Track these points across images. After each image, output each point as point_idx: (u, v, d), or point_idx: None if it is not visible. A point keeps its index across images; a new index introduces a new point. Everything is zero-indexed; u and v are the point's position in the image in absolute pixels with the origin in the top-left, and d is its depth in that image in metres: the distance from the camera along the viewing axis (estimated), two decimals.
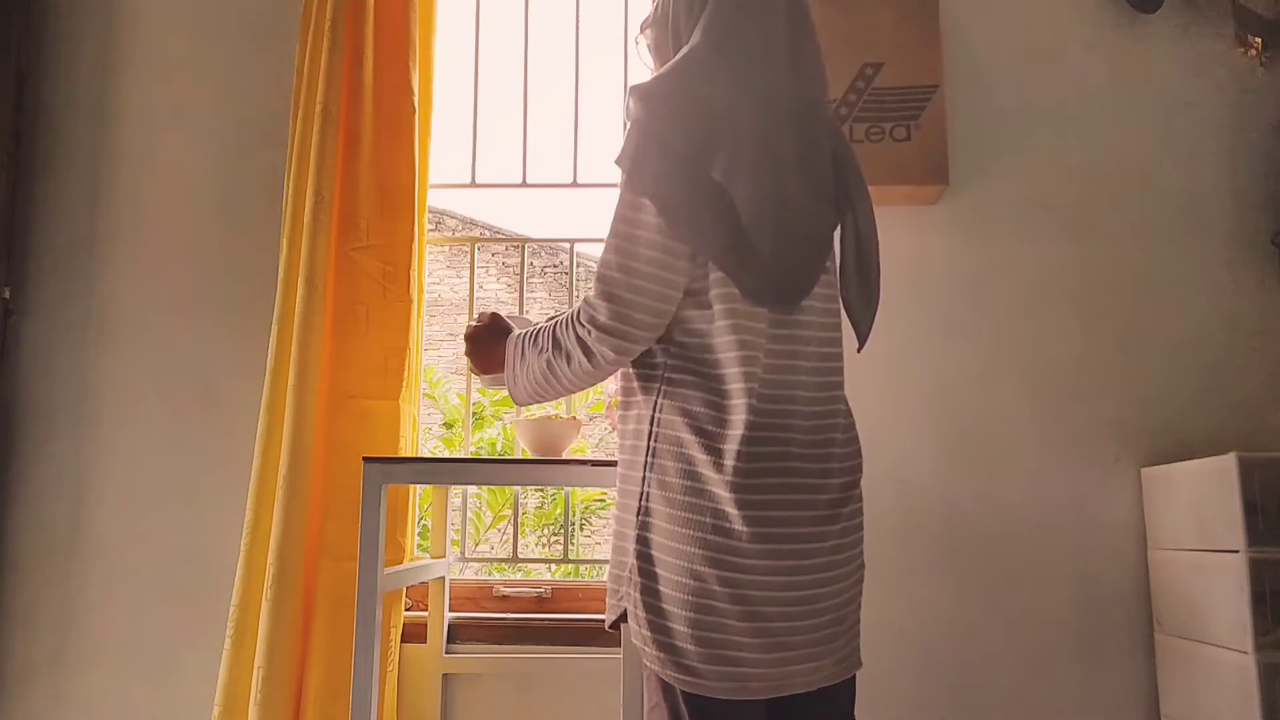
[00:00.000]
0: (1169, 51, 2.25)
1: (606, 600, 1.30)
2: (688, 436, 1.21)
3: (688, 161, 1.20)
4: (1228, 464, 1.74)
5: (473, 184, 2.42)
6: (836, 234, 1.35)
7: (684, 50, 1.27)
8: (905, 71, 2.16)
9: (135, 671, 2.14)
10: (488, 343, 1.46)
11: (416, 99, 2.20)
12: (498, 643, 2.14)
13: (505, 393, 1.42)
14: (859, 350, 1.39)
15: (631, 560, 1.23)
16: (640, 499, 1.24)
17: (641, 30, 1.42)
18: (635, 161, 1.21)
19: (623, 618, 1.25)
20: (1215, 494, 1.78)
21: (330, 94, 2.11)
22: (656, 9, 1.37)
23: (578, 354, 1.26)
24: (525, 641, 2.14)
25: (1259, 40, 2.18)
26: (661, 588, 1.20)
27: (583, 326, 1.24)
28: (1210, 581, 1.80)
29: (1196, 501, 1.87)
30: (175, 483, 2.20)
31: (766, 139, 1.24)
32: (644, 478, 1.24)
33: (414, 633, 2.12)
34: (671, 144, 1.20)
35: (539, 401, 1.41)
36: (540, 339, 1.33)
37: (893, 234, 2.18)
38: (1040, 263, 2.19)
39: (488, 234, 8.43)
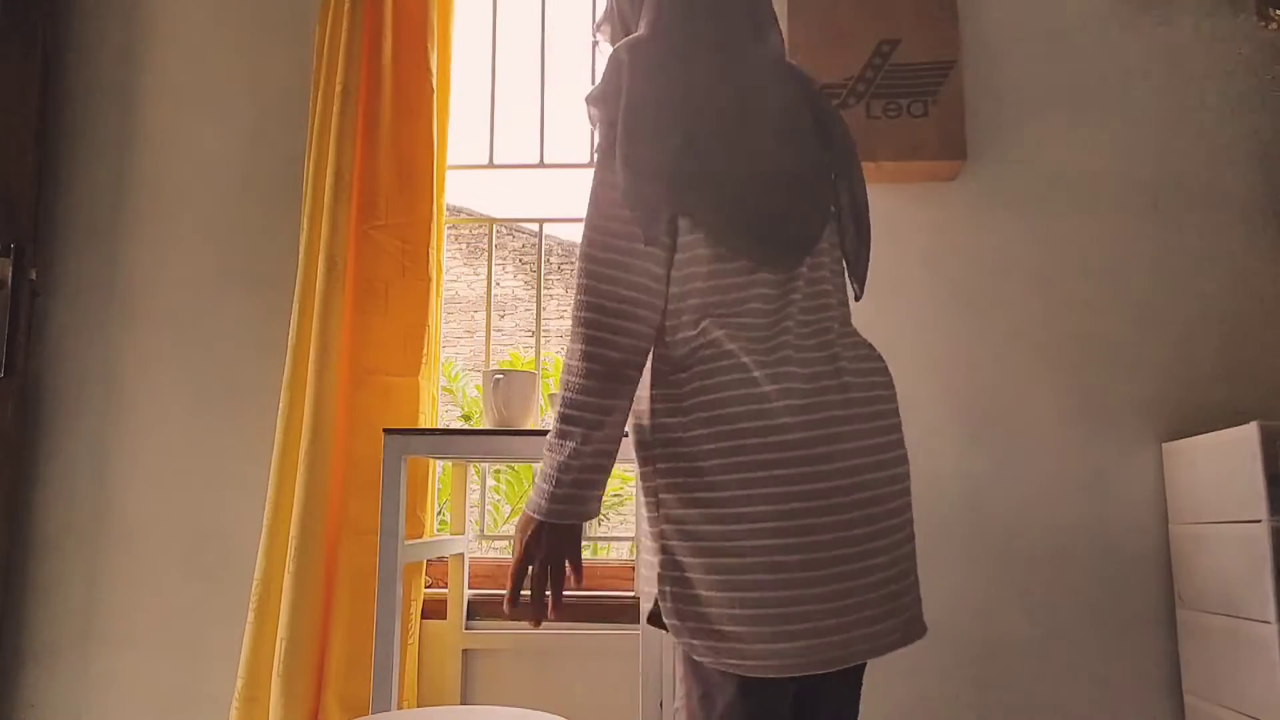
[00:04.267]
0: (1188, 25, 2.24)
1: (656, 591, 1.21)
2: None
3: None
4: (1249, 434, 1.73)
5: (490, 165, 2.44)
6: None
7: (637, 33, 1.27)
8: (922, 48, 2.15)
9: (161, 647, 2.17)
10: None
11: (435, 80, 2.22)
12: (517, 619, 2.16)
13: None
14: (858, 299, 1.39)
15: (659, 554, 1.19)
16: (653, 479, 1.22)
17: (597, 29, 1.44)
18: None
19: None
20: (1237, 465, 1.77)
21: (350, 75, 2.14)
22: (607, 6, 1.41)
23: None
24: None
25: None
26: (690, 574, 1.15)
27: None
28: (1233, 553, 1.79)
29: (1218, 473, 1.86)
30: (198, 460, 2.22)
31: (740, 100, 1.25)
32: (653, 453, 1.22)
33: (434, 609, 2.14)
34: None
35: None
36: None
37: (910, 211, 2.21)
38: (1059, 238, 2.18)
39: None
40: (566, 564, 1.19)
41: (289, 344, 2.08)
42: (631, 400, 1.19)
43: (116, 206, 2.33)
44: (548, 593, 1.19)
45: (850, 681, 1.33)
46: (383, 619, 1.71)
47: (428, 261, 2.17)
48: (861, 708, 2.05)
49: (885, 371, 1.33)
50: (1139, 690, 2.02)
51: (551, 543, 1.17)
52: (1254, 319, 2.13)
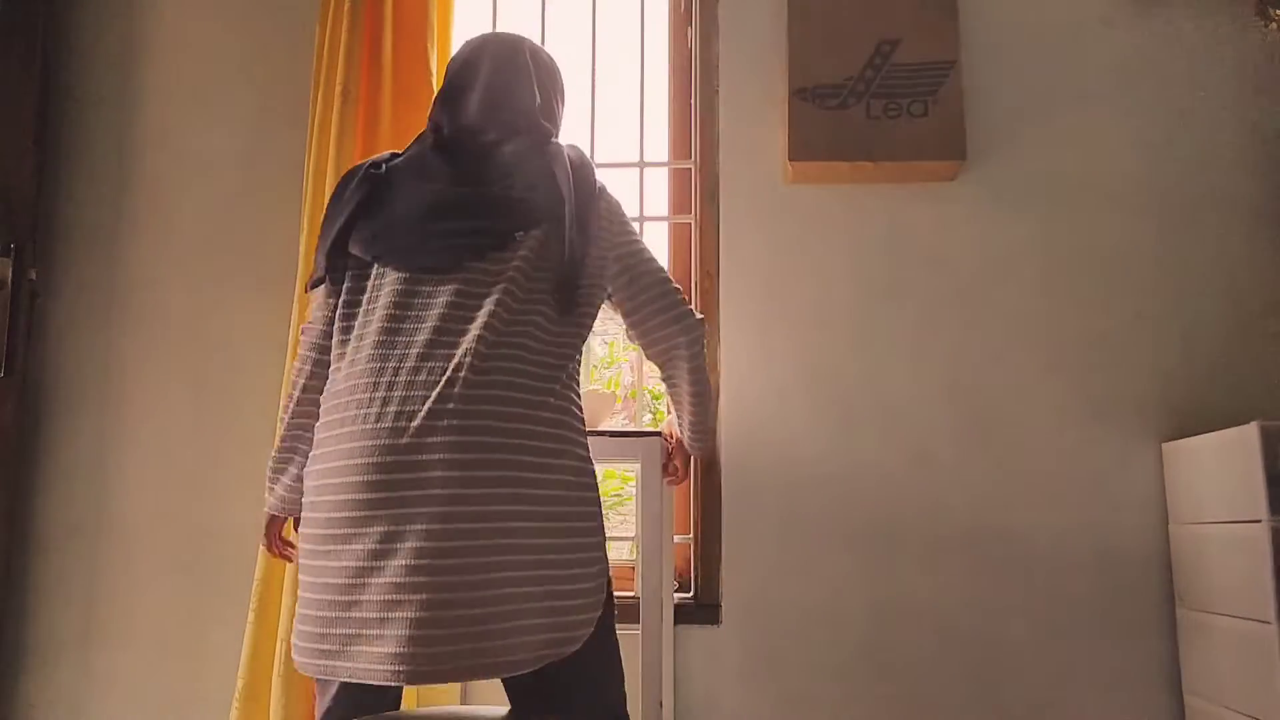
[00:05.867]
0: (1189, 24, 2.24)
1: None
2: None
3: None
4: (1249, 434, 1.73)
5: None
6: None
7: None
8: (922, 48, 2.15)
9: (161, 647, 2.17)
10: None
11: (435, 80, 2.21)
12: None
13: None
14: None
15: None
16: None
17: None
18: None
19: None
20: (1237, 464, 1.77)
21: (350, 75, 2.14)
22: None
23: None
24: None
25: None
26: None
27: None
28: (1232, 553, 1.79)
29: (1218, 473, 1.86)
30: (199, 460, 2.22)
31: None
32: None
33: None
34: None
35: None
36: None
37: (910, 210, 2.21)
38: (1058, 238, 2.18)
39: None
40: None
41: (289, 344, 2.08)
42: None
43: (116, 207, 2.33)
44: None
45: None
46: None
47: None
48: (861, 707, 2.06)
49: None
50: (1139, 690, 2.02)
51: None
52: (1254, 319, 2.13)
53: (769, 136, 2.24)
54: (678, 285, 1.54)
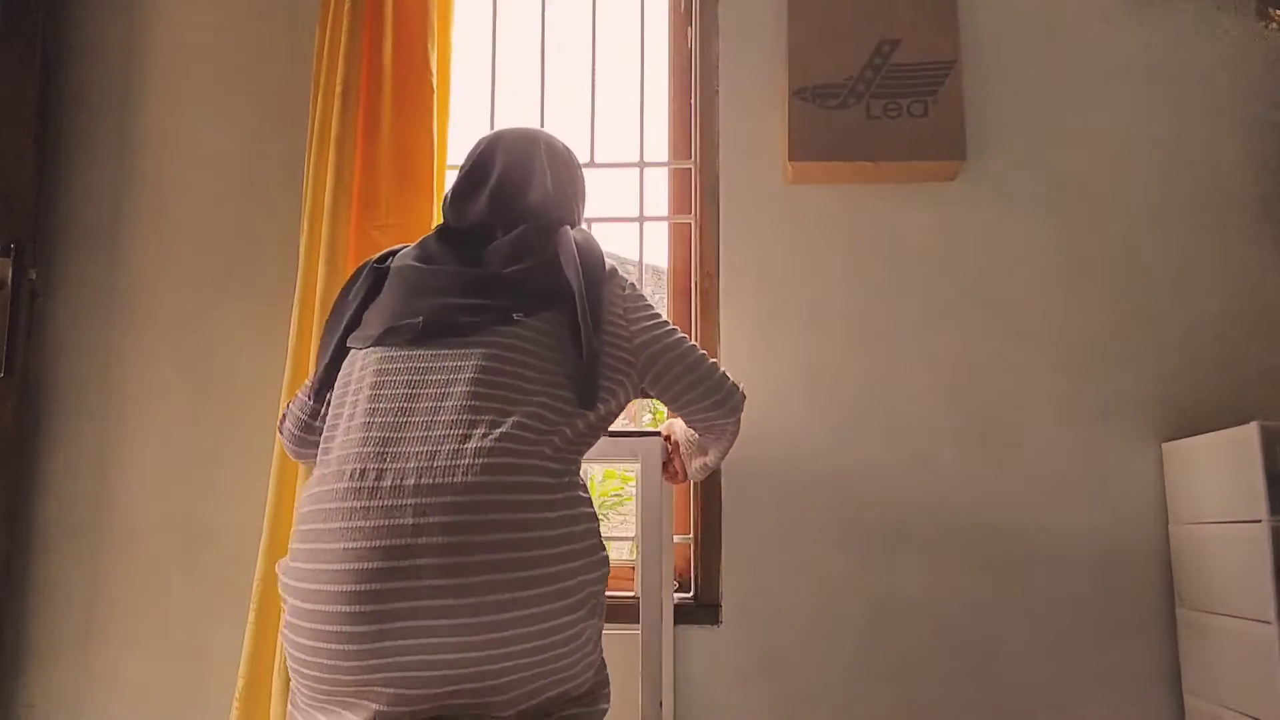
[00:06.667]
0: (1189, 24, 2.24)
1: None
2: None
3: None
4: (1249, 433, 1.73)
5: None
6: None
7: None
8: (922, 47, 2.15)
9: (161, 647, 2.17)
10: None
11: (435, 80, 2.21)
12: None
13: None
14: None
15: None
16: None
17: None
18: None
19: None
20: (1237, 464, 1.77)
21: (350, 76, 2.14)
22: None
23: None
24: None
25: None
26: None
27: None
28: (1233, 553, 1.79)
29: (1218, 473, 1.86)
30: (199, 460, 2.23)
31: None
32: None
33: None
34: None
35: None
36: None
37: (910, 211, 2.21)
38: (1059, 238, 2.18)
39: None
40: None
41: (289, 345, 2.08)
42: None
43: (116, 206, 2.33)
44: None
45: None
46: None
47: None
48: (861, 707, 2.06)
49: None
50: (1139, 690, 2.02)
51: None
52: (1254, 319, 2.13)
53: (769, 136, 2.24)
54: (712, 361, 1.52)
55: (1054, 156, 2.21)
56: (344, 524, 1.17)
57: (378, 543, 1.14)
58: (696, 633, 2.08)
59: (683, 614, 2.08)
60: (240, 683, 1.98)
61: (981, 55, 2.23)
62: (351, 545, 1.15)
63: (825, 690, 2.05)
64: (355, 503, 1.18)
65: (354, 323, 1.42)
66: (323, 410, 1.41)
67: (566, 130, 2.48)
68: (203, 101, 2.35)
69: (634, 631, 1.80)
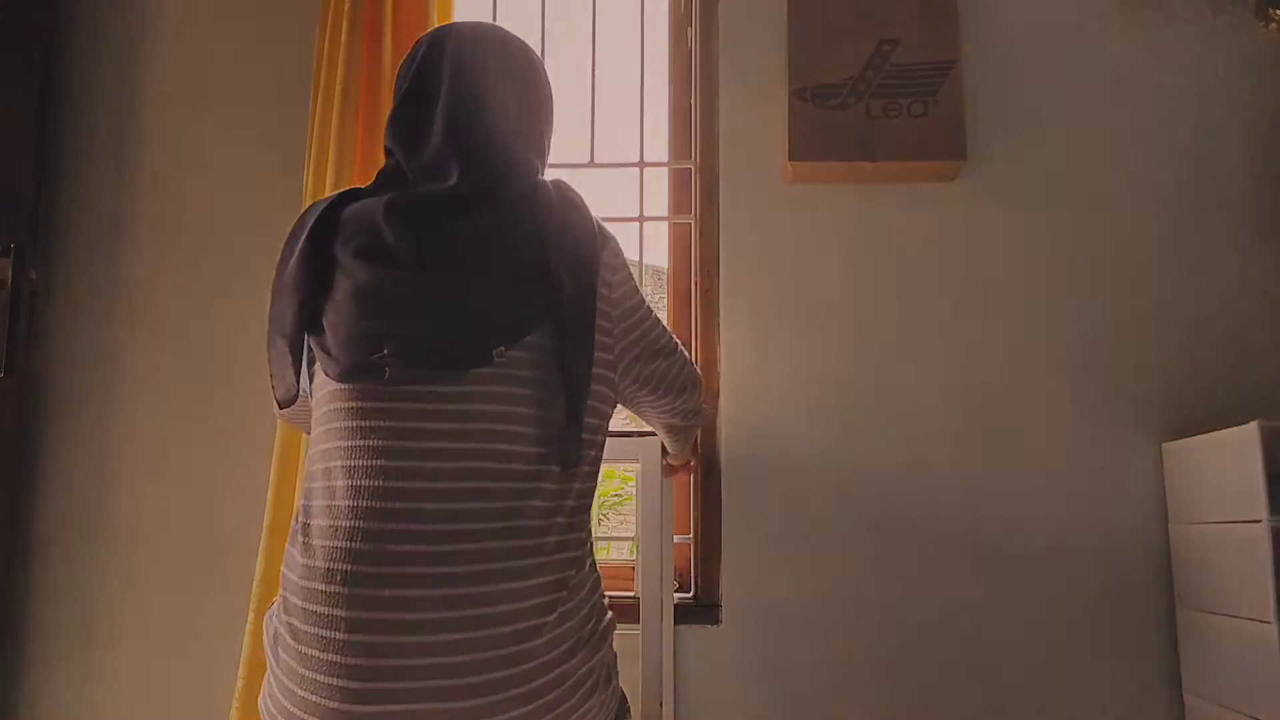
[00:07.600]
0: (1190, 25, 2.23)
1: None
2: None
3: None
4: (1249, 433, 1.73)
5: None
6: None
7: None
8: (922, 47, 2.15)
9: (161, 647, 2.17)
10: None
11: None
12: None
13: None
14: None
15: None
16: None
17: None
18: None
19: None
20: (1237, 464, 1.77)
21: (350, 76, 2.14)
22: None
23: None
24: None
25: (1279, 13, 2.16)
26: None
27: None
28: (1233, 553, 1.79)
29: (1218, 473, 1.86)
30: (199, 462, 2.22)
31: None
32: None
33: None
34: None
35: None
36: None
37: (910, 211, 2.21)
38: (1059, 239, 2.18)
39: None
40: None
41: None
42: None
43: (116, 208, 2.33)
44: None
45: None
46: None
47: None
48: (861, 707, 2.06)
49: None
50: (1139, 690, 2.02)
51: None
52: (1254, 319, 2.13)
53: (769, 136, 2.24)
54: (685, 360, 1.47)
55: (1054, 156, 2.21)
56: (335, 633, 1.08)
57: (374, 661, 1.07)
58: (696, 633, 2.08)
59: (683, 614, 2.08)
60: (240, 683, 1.98)
61: (981, 55, 2.22)
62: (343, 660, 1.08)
63: (825, 690, 2.05)
64: (346, 612, 1.08)
65: (310, 319, 1.20)
66: (302, 394, 1.26)
67: (566, 131, 2.48)
68: (202, 103, 2.35)
69: (634, 631, 1.80)
